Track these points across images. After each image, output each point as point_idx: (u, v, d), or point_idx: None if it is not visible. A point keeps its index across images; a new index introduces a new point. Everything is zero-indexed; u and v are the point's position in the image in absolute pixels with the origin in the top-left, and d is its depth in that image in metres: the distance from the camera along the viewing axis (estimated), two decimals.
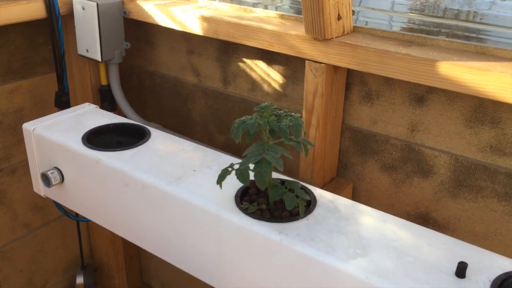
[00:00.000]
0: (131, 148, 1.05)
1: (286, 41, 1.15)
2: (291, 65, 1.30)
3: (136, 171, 0.97)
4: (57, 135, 1.11)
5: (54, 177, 1.10)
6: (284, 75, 1.33)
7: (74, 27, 1.45)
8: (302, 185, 0.89)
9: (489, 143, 1.08)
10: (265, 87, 1.38)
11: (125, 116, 1.61)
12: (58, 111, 1.28)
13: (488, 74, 0.91)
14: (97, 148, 1.05)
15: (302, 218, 0.84)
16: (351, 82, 1.22)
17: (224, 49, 1.41)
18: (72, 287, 1.81)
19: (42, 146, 1.13)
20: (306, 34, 1.11)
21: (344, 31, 1.12)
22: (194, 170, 0.98)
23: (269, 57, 1.33)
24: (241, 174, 0.81)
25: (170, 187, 0.93)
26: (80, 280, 1.76)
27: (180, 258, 0.97)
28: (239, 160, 1.01)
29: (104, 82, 1.54)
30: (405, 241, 0.79)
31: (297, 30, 1.15)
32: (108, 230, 1.12)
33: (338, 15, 1.08)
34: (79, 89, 1.57)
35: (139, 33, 1.59)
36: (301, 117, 0.82)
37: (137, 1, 1.41)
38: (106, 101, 1.56)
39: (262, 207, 0.86)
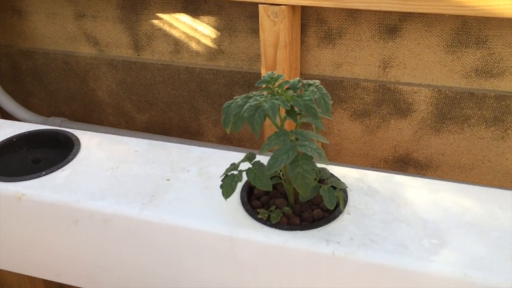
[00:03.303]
0: (62, 166, 0.74)
1: None
2: (224, 13, 1.04)
3: (86, 199, 0.68)
4: None
5: None
6: (216, 27, 1.07)
7: None
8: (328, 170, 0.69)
9: (474, 67, 0.96)
10: (193, 45, 1.10)
11: (10, 117, 1.23)
12: None
13: None
14: (11, 178, 0.72)
15: (342, 213, 0.64)
16: (306, 23, 1.00)
17: (129, 5, 1.09)
18: None
19: None
20: None
21: None
22: (168, 179, 0.71)
23: (194, 7, 1.05)
24: (263, 182, 0.58)
25: (146, 213, 0.66)
26: None
27: None
28: (221, 151, 0.77)
29: None
30: (475, 211, 0.64)
31: None
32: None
33: None
34: None
35: None
36: (320, 84, 0.60)
37: None
38: None
39: (286, 211, 0.64)
